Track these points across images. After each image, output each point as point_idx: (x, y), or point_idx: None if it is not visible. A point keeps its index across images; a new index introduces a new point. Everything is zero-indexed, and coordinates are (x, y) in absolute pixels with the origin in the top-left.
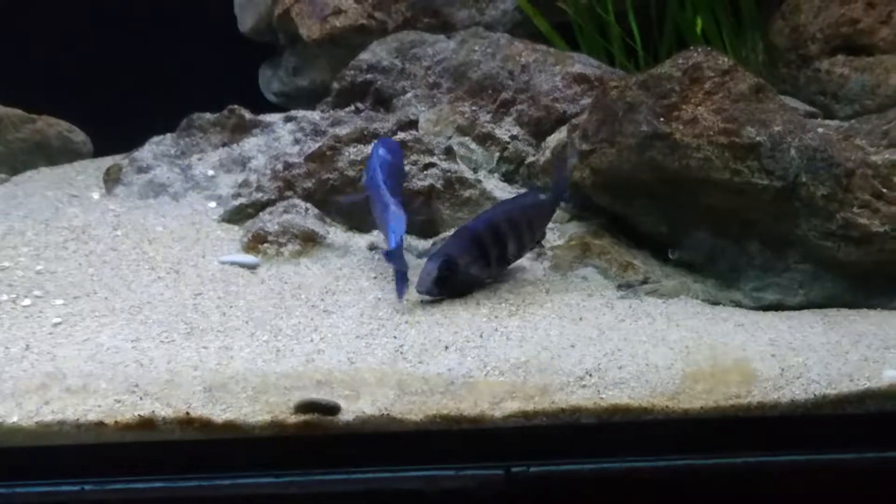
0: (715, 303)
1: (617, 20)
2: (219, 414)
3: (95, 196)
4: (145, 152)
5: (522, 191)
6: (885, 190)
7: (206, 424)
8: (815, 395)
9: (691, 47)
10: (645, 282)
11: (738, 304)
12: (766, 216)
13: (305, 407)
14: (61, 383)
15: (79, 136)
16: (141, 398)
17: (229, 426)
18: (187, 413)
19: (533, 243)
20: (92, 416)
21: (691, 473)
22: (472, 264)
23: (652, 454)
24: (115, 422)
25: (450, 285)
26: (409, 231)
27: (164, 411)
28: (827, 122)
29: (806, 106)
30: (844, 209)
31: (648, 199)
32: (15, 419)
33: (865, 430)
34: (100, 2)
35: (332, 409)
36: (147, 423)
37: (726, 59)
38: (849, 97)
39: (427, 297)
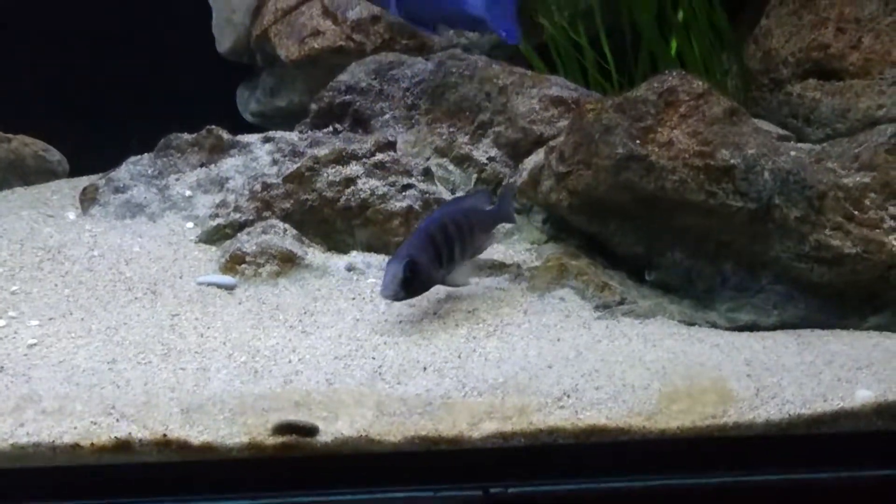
0: (691, 323)
1: (591, 43)
2: (196, 436)
3: (71, 216)
4: (122, 172)
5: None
6: (856, 212)
7: (183, 446)
8: (789, 414)
9: (666, 71)
10: (622, 302)
11: (714, 325)
12: (741, 238)
13: (283, 428)
14: (37, 405)
15: (54, 155)
16: (117, 420)
17: (207, 448)
18: (164, 435)
19: (474, 251)
20: (68, 439)
21: (668, 493)
22: (430, 264)
23: (629, 474)
24: (92, 444)
25: (414, 287)
26: (386, 252)
27: (140, 433)
28: (799, 145)
29: (779, 129)
30: (817, 231)
31: (625, 221)
32: None
33: (839, 449)
34: (77, 21)
35: (311, 431)
36: (124, 445)
37: (701, 83)
38: (820, 120)
39: (393, 301)
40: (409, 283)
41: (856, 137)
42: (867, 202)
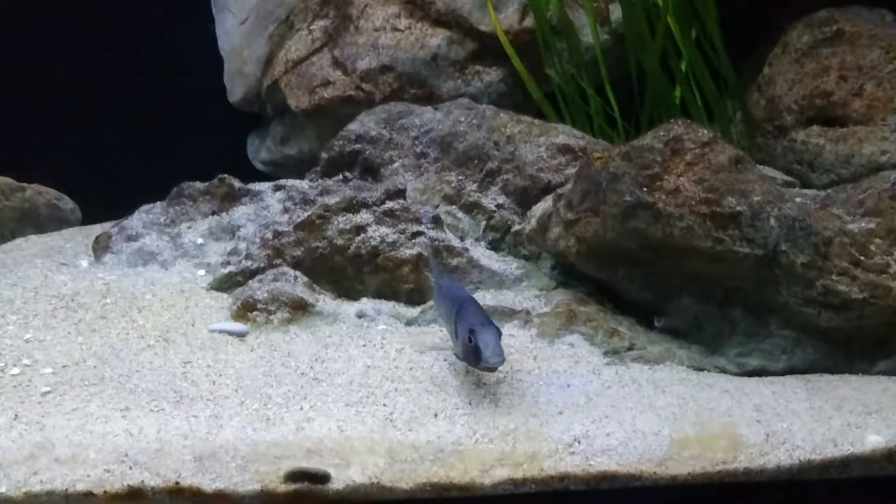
0: (700, 369)
1: (597, 92)
2: (209, 483)
3: (84, 264)
4: (134, 220)
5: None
6: (862, 258)
7: (196, 494)
8: (800, 460)
9: (672, 120)
10: (631, 348)
11: (723, 370)
12: (748, 283)
13: (295, 476)
14: (50, 453)
15: (67, 204)
16: (130, 468)
17: (219, 495)
18: (177, 482)
19: None
20: (81, 486)
21: None
22: None
23: None
24: (105, 492)
25: None
26: (396, 299)
27: (153, 481)
28: (804, 191)
29: (783, 175)
30: (824, 277)
31: (633, 267)
32: (3, 489)
33: (850, 494)
34: (91, 71)
35: (323, 478)
36: (136, 493)
37: (706, 132)
38: (824, 167)
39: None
40: None
41: (860, 183)
42: (873, 248)
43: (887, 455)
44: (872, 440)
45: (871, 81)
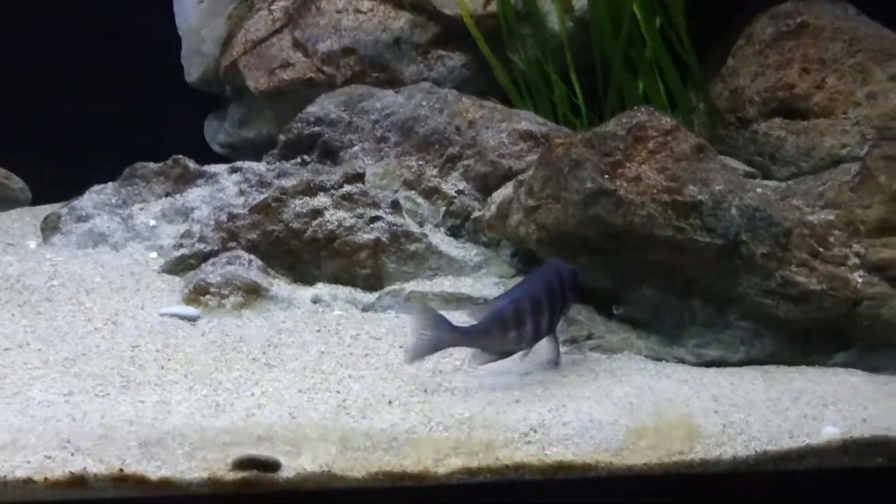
0: (658, 359)
1: (562, 79)
2: (154, 470)
3: (32, 245)
4: (85, 201)
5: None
6: (821, 249)
7: (140, 481)
8: (756, 451)
9: (635, 107)
10: (589, 337)
11: (681, 361)
12: (709, 273)
13: (244, 463)
14: None
15: (16, 183)
16: (72, 454)
17: (165, 483)
18: (121, 469)
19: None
20: (20, 473)
21: None
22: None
23: None
24: (45, 478)
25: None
26: (353, 284)
27: (96, 468)
28: (765, 182)
29: (745, 166)
30: (783, 268)
31: (593, 255)
32: None
33: (805, 486)
34: (42, 47)
35: (272, 466)
36: (78, 481)
37: (669, 119)
38: (785, 159)
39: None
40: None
41: (820, 175)
42: (832, 239)
43: (843, 447)
44: (828, 431)
45: (833, 74)
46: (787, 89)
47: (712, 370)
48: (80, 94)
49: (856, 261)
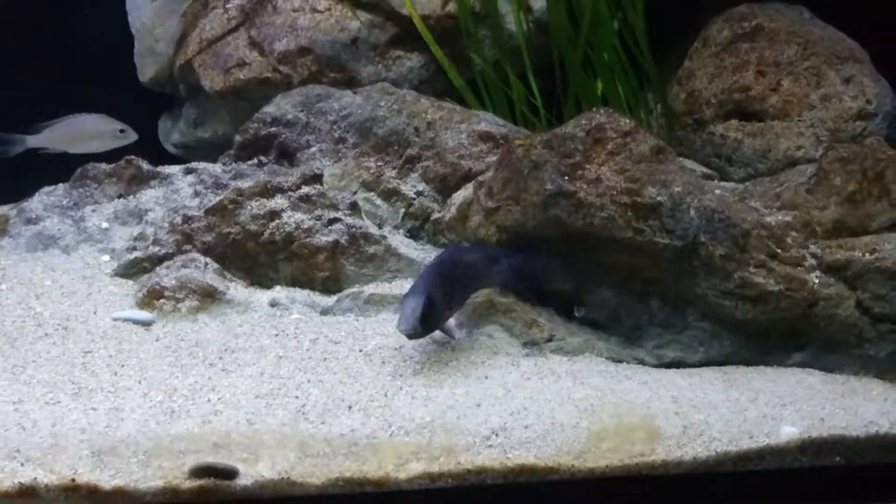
0: (619, 360)
1: (521, 80)
2: (107, 480)
3: None
4: (35, 203)
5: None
6: (779, 250)
7: (93, 491)
8: (716, 452)
9: (594, 108)
10: (550, 339)
11: (641, 362)
12: (667, 275)
13: (201, 471)
14: None
15: None
16: (22, 464)
17: (118, 493)
18: (73, 479)
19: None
20: None
21: None
22: (443, 303)
23: None
24: None
25: (431, 323)
26: (311, 287)
27: (47, 478)
28: (723, 183)
29: (703, 168)
30: (741, 269)
31: (553, 257)
32: None
33: (765, 486)
34: None
35: (230, 474)
36: (28, 491)
37: (628, 121)
38: (742, 160)
39: (410, 337)
40: (427, 319)
41: (777, 177)
42: (789, 240)
43: (801, 447)
44: (787, 431)
45: (788, 77)
46: (743, 91)
47: (672, 371)
48: (29, 94)
49: (812, 262)
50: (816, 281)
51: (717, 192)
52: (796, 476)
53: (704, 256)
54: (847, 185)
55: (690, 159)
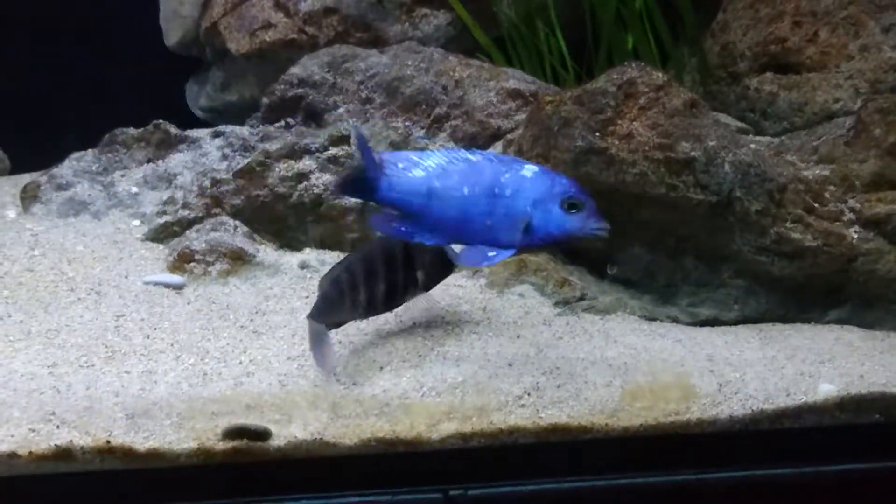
0: (652, 318)
1: (549, 37)
2: (141, 442)
3: (11, 214)
4: (65, 169)
5: None
6: (816, 205)
7: (127, 453)
8: (752, 410)
9: (625, 63)
10: (582, 298)
11: (675, 320)
12: (702, 231)
13: (234, 433)
14: None
15: None
16: (58, 427)
17: (153, 454)
18: (108, 441)
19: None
20: (4, 447)
21: (632, 492)
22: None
23: (592, 473)
24: (30, 452)
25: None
26: (340, 248)
27: (82, 440)
28: (758, 138)
29: (737, 122)
30: (777, 224)
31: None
32: None
33: (803, 444)
34: (19, 14)
35: (262, 435)
36: (64, 453)
37: (660, 75)
38: (778, 114)
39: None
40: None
41: (814, 130)
42: (827, 195)
43: (839, 404)
44: (825, 389)
45: (826, 28)
46: (778, 43)
47: (706, 329)
48: (58, 61)
49: (851, 216)
50: (855, 236)
51: (753, 146)
52: (834, 434)
53: (739, 212)
54: (888, 137)
55: (724, 114)
